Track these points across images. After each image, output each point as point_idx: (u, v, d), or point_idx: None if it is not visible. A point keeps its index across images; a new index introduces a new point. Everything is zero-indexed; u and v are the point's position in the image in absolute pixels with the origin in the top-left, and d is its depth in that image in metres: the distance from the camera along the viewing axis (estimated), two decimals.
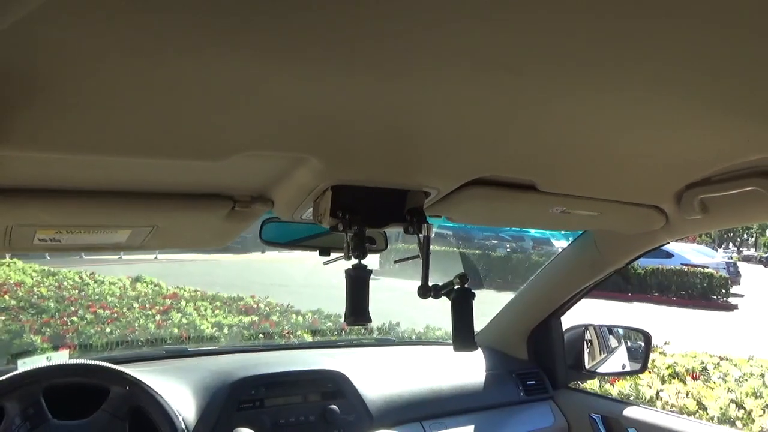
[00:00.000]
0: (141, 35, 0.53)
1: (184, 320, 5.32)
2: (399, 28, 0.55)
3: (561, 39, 0.58)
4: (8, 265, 6.22)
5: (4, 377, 1.28)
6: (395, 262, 1.41)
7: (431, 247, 1.15)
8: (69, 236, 1.18)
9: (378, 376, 1.82)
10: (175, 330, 5.12)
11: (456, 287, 1.15)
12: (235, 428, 1.42)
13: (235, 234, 1.38)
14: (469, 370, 2.00)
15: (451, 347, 1.17)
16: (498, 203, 1.24)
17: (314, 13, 0.51)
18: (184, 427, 1.37)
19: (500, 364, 2.09)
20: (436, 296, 1.15)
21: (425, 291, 1.14)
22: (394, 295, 6.65)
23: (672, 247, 14.06)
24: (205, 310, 5.70)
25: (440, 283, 1.16)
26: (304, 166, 0.95)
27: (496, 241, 15.44)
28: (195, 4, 0.49)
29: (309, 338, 4.70)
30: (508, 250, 15.03)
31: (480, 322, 2.01)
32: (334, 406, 1.64)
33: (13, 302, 5.11)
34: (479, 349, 2.01)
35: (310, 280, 8.35)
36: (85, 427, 1.29)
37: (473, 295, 1.16)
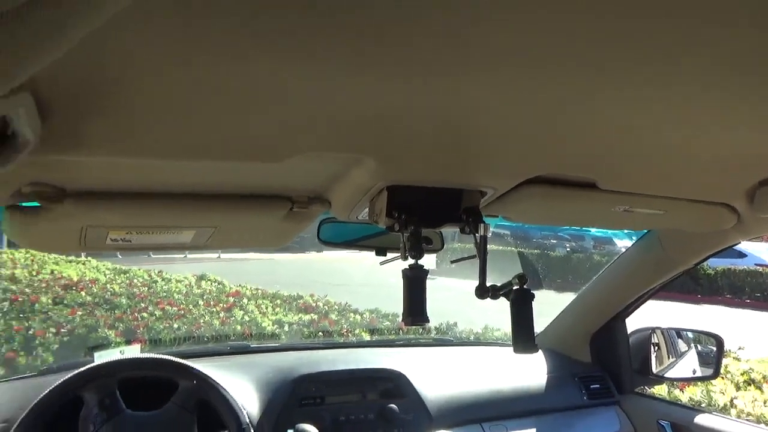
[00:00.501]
0: (203, 43, 0.55)
1: (246, 317, 5.48)
2: (454, 26, 0.55)
3: (622, 32, 0.56)
4: (84, 264, 6.58)
5: (82, 369, 1.35)
6: (452, 262, 1.40)
7: (488, 246, 1.14)
8: (138, 236, 1.24)
9: (437, 376, 1.81)
10: (238, 327, 5.28)
11: (515, 288, 1.13)
12: (297, 424, 1.45)
13: (294, 234, 1.41)
14: (529, 372, 1.96)
15: (511, 348, 1.15)
16: (557, 202, 1.21)
17: (369, 13, 0.52)
18: (248, 421, 1.41)
19: (562, 366, 2.04)
20: (494, 297, 1.14)
21: (483, 291, 1.12)
22: (451, 295, 6.61)
23: (745, 246, 13.22)
24: (266, 307, 5.84)
25: (498, 284, 1.15)
26: (360, 167, 0.96)
27: (555, 241, 15.06)
28: (254, 10, 0.50)
29: (367, 337, 4.74)
30: (568, 249, 14.62)
31: (540, 324, 1.97)
32: (393, 405, 1.65)
33: (88, 298, 5.40)
34: (540, 351, 1.97)
35: (368, 279, 8.42)
36: (157, 419, 1.35)
37: (533, 295, 1.14)
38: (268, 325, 5.30)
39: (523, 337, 1.13)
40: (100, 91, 0.64)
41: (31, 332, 4.71)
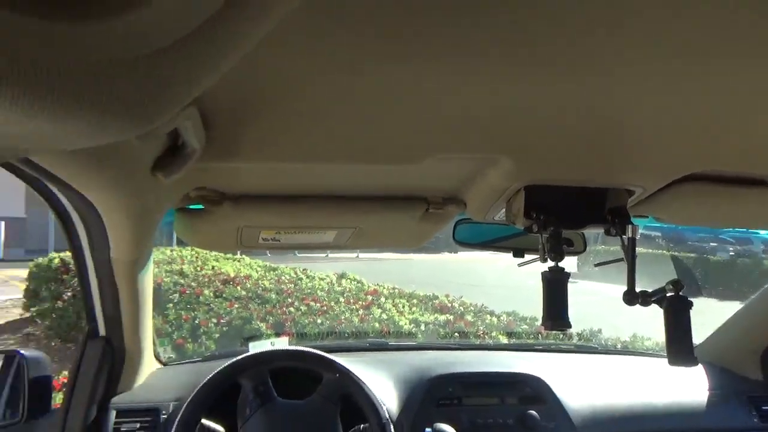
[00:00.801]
0: (348, 53, 0.58)
1: (384, 316, 5.63)
2: (602, 21, 0.52)
3: None
4: (239, 261, 7.19)
5: (240, 357, 1.48)
6: (596, 265, 1.32)
7: (636, 249, 1.06)
8: (287, 236, 1.34)
9: (580, 384, 1.72)
10: (376, 324, 5.44)
11: (669, 294, 1.04)
12: (435, 423, 1.46)
13: (430, 234, 1.43)
14: (687, 386, 1.79)
15: (665, 360, 1.06)
16: (717, 201, 1.09)
17: (512, 10, 0.51)
18: (388, 416, 1.45)
19: (726, 383, 1.84)
20: (645, 303, 1.05)
21: (632, 297, 1.05)
22: (594, 300, 6.24)
23: None
24: (403, 306, 5.95)
25: (649, 289, 1.06)
26: (497, 167, 0.95)
27: (715, 244, 13.54)
28: (398, 18, 0.52)
29: (504, 340, 4.63)
30: (732, 253, 13.07)
31: (699, 335, 1.78)
32: (533, 412, 1.60)
33: (243, 293, 5.89)
34: (699, 364, 1.79)
35: (503, 281, 8.23)
36: (304, 408, 1.44)
37: (690, 303, 1.04)
38: (405, 324, 5.39)
39: (679, 348, 1.03)
40: (254, 102, 0.70)
41: (196, 322, 5.25)
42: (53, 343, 6.07)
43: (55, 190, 0.97)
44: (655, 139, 0.83)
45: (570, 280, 1.09)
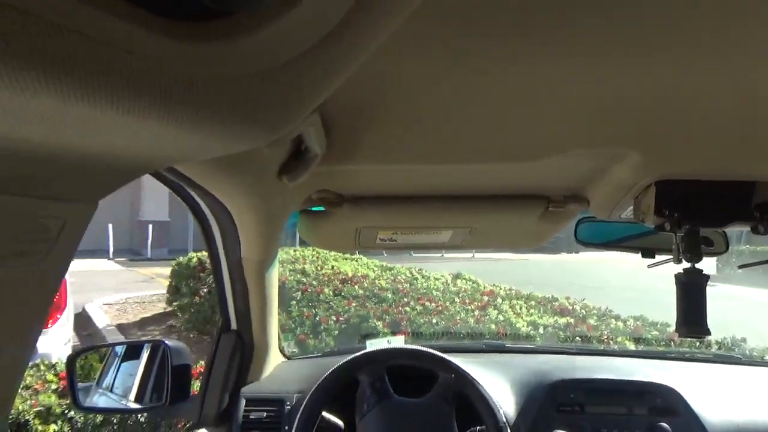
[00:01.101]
0: (465, 54, 0.57)
1: (500, 317, 5.52)
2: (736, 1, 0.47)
3: None
4: (356, 261, 7.42)
5: (358, 354, 1.53)
6: (740, 267, 1.20)
7: None
8: (403, 236, 1.36)
9: (719, 397, 1.57)
10: (492, 326, 5.35)
11: None
12: (555, 430, 1.41)
13: (550, 234, 1.38)
14: None
15: None
16: None
17: (634, 3, 0.48)
18: (505, 420, 1.42)
19: None
20: None
21: None
22: (735, 305, 5.67)
23: None
24: (520, 308, 5.80)
25: None
26: (623, 162, 0.89)
27: None
28: (511, 17, 0.50)
29: (631, 346, 4.35)
30: None
31: None
32: (665, 425, 1.48)
33: (360, 292, 6.07)
34: None
35: (629, 283, 7.73)
36: (420, 406, 1.45)
37: None
38: (523, 326, 5.25)
39: None
40: (373, 106, 0.71)
41: (317, 319, 5.49)
42: (191, 335, 6.65)
43: (194, 195, 1.06)
44: None
45: (708, 283, 1.00)
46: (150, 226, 15.53)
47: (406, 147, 0.84)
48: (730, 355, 2.08)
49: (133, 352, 1.62)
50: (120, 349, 1.66)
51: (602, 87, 0.65)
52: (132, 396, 1.53)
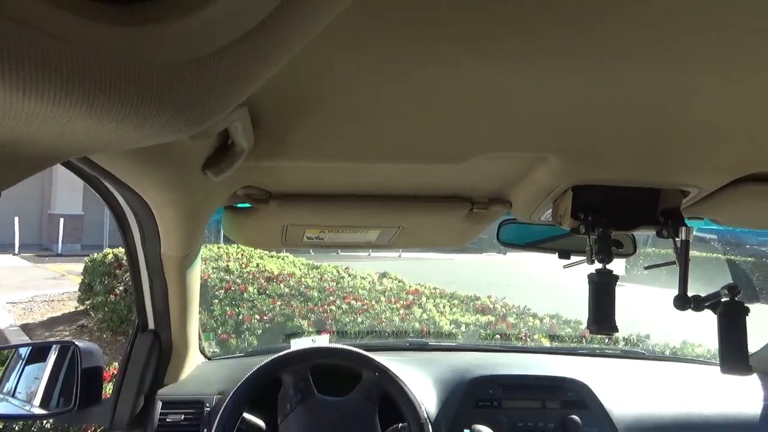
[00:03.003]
0: (392, 54, 0.58)
1: (424, 315, 5.62)
2: (656, 14, 0.50)
3: None
4: (282, 259, 7.32)
5: (282, 353, 1.51)
6: (646, 268, 1.28)
7: (690, 252, 1.02)
8: (330, 235, 1.35)
9: (626, 390, 1.67)
10: (417, 324, 5.44)
11: (724, 299, 0.99)
12: (474, 425, 1.45)
13: (474, 234, 1.41)
14: (740, 396, 1.71)
15: (717, 368, 1.02)
16: None
17: (556, 12, 0.50)
18: (426, 416, 1.44)
19: None
20: (698, 309, 1.01)
21: (684, 302, 1.01)
22: (642, 304, 6.06)
23: None
24: (444, 307, 5.93)
25: (702, 294, 1.02)
26: (543, 166, 0.93)
27: None
28: (439, 19, 0.51)
29: (547, 343, 4.56)
30: None
31: (755, 343, 1.71)
32: (575, 417, 1.57)
33: (286, 290, 5.99)
34: (754, 373, 1.71)
35: (548, 282, 8.09)
36: (343, 405, 1.45)
37: (746, 309, 0.99)
38: (446, 325, 5.37)
39: (733, 356, 0.99)
40: (302, 102, 0.70)
41: (240, 318, 5.37)
42: (105, 335, 6.32)
43: (111, 188, 1.00)
44: (715, 137, 0.80)
45: (618, 283, 1.06)
46: (61, 220, 14.60)
47: (334, 144, 0.83)
48: (635, 351, 2.22)
49: (39, 354, 1.52)
50: (24, 351, 1.55)
51: (526, 93, 0.67)
52: (37, 401, 1.43)
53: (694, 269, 1.03)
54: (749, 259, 11.62)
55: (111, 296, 6.36)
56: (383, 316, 5.64)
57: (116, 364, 3.46)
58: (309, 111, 0.73)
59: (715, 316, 1.00)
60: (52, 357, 1.47)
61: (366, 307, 5.83)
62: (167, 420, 1.47)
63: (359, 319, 5.52)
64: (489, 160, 0.87)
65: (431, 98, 0.69)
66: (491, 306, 6.10)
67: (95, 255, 7.18)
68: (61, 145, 0.33)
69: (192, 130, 0.38)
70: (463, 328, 5.35)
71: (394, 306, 5.90)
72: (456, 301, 6.24)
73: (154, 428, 1.46)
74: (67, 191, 14.64)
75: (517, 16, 0.51)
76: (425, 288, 6.69)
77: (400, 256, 11.91)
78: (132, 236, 1.24)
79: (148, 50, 0.28)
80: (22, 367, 1.51)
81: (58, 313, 7.68)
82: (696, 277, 1.07)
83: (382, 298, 6.10)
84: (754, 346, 1.84)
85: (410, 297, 6.20)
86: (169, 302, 1.40)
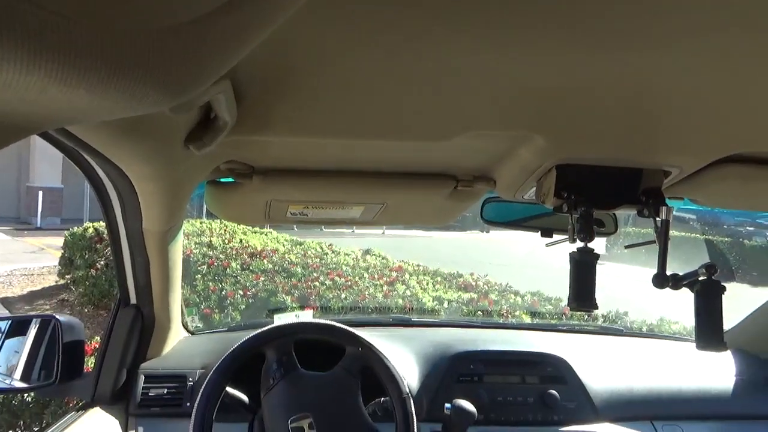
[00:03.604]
0: (378, 29, 0.57)
1: (407, 292, 5.66)
2: None
3: None
4: (266, 235, 7.29)
5: (265, 329, 1.51)
6: (626, 247, 1.30)
7: (670, 232, 1.03)
8: (314, 211, 1.34)
9: (603, 365, 1.71)
10: (400, 300, 5.48)
11: (701, 278, 1.01)
12: (455, 399, 1.47)
13: (458, 212, 1.42)
14: (714, 372, 1.76)
15: (692, 344, 1.04)
16: (759, 184, 1.05)
17: None
18: (408, 391, 1.46)
19: (755, 369, 1.81)
20: (676, 287, 1.03)
21: (662, 281, 1.03)
22: (621, 282, 6.16)
23: None
24: (427, 284, 5.98)
25: (680, 273, 1.04)
26: (528, 145, 0.93)
27: (752, 228, 13.17)
28: None
29: (528, 320, 4.63)
30: None
31: (729, 320, 1.75)
32: (553, 391, 1.60)
33: (270, 266, 5.98)
34: (728, 350, 1.76)
35: (530, 260, 8.18)
36: (325, 379, 1.46)
37: (722, 288, 1.01)
38: (429, 301, 5.42)
39: (708, 333, 1.01)
40: (286, 76, 0.69)
41: (223, 293, 5.36)
42: (86, 310, 6.28)
43: (90, 160, 0.98)
44: (695, 118, 0.80)
45: (598, 261, 1.08)
46: (40, 193, 14.35)
47: (318, 119, 0.83)
48: (613, 327, 2.26)
49: (19, 327, 1.50)
50: (4, 325, 1.54)
51: (510, 72, 0.67)
52: (17, 374, 1.42)
53: (673, 248, 1.05)
54: (726, 239, 11.87)
55: (92, 271, 6.31)
56: (367, 293, 5.68)
57: (98, 338, 3.45)
58: (293, 85, 0.72)
59: (693, 294, 1.03)
60: (33, 331, 1.46)
61: (350, 283, 5.86)
62: (150, 394, 1.48)
63: (343, 296, 5.55)
64: (474, 138, 0.87)
65: (415, 75, 0.68)
66: (474, 283, 6.16)
67: (75, 229, 7.09)
68: (36, 115, 0.32)
69: (172, 102, 0.37)
70: (445, 305, 5.40)
71: (378, 282, 5.93)
72: (439, 278, 6.29)
73: (136, 402, 1.47)
74: (45, 163, 14.37)
75: None
76: (409, 265, 6.73)
77: (383, 233, 11.94)
78: (113, 210, 1.22)
79: (120, 16, 0.27)
80: (2, 340, 1.49)
81: (39, 287, 7.60)
82: (675, 256, 1.09)
83: (366, 275, 6.13)
84: (728, 323, 1.89)
85: (394, 274, 6.24)
86: (151, 277, 1.39)
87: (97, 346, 1.54)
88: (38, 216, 14.35)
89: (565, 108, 0.78)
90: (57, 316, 1.42)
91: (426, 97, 0.75)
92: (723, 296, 1.02)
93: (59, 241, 7.46)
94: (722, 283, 1.01)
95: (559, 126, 0.85)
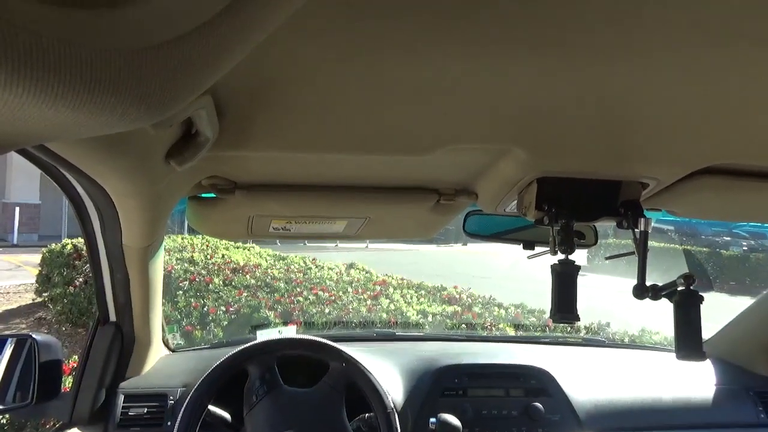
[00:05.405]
0: (358, 43, 0.57)
1: (391, 306, 5.64)
2: (617, 10, 0.51)
3: None
4: (248, 250, 7.22)
5: (247, 345, 1.49)
6: (607, 258, 1.31)
7: (649, 243, 1.05)
8: (297, 225, 1.34)
9: (586, 377, 1.72)
10: (384, 315, 5.46)
11: (680, 288, 1.03)
12: (439, 413, 1.47)
13: (440, 225, 1.43)
14: (694, 381, 1.78)
15: (673, 354, 1.05)
16: (734, 195, 1.08)
17: (522, 5, 0.50)
18: (393, 406, 1.45)
19: (734, 378, 1.83)
20: (655, 297, 1.05)
21: (642, 291, 1.04)
22: (603, 294, 6.22)
23: None
24: (411, 297, 5.96)
25: (660, 283, 1.06)
26: (509, 158, 0.94)
27: (728, 238, 13.41)
28: (406, 8, 0.51)
29: (511, 332, 4.63)
30: (745, 248, 12.95)
31: (708, 330, 1.78)
32: (538, 404, 1.60)
33: (252, 281, 5.92)
34: (708, 359, 1.78)
35: (512, 273, 8.22)
36: (309, 396, 1.45)
37: (701, 298, 1.03)
38: (413, 315, 5.40)
39: (687, 342, 1.03)
40: (267, 92, 0.70)
41: (205, 309, 5.29)
42: (64, 328, 6.15)
43: (69, 176, 0.97)
44: (672, 131, 0.82)
45: (580, 273, 1.09)
46: (17, 209, 14.08)
47: (299, 134, 0.83)
48: (595, 339, 2.27)
49: None
50: None
51: (490, 86, 0.68)
52: None
53: (652, 259, 1.06)
54: (704, 249, 12.06)
55: (70, 288, 6.18)
56: (350, 307, 5.64)
57: (76, 357, 3.38)
58: (274, 101, 0.72)
59: (672, 304, 1.04)
60: (8, 350, 1.42)
61: (333, 298, 5.82)
62: (130, 413, 1.45)
63: (326, 310, 5.51)
64: (455, 151, 0.88)
65: (396, 89, 0.69)
66: (457, 296, 6.16)
67: (53, 245, 6.96)
68: (14, 132, 0.32)
69: (153, 119, 0.37)
70: (429, 318, 5.39)
71: (362, 297, 5.90)
72: (423, 292, 6.28)
73: (115, 422, 1.44)
74: (23, 179, 14.13)
75: (481, 9, 0.51)
76: (392, 279, 6.71)
77: (367, 246, 11.92)
78: (92, 226, 1.21)
79: (101, 36, 0.27)
80: None
81: (15, 305, 7.42)
82: (654, 266, 1.11)
83: (350, 289, 6.10)
84: (707, 333, 1.92)
85: (377, 288, 6.21)
86: (131, 294, 1.37)
87: (75, 365, 1.51)
88: (14, 232, 14.06)
89: (545, 122, 0.80)
90: (33, 335, 1.39)
91: (408, 111, 0.76)
92: (701, 306, 1.03)
93: (37, 258, 7.32)
94: (700, 293, 1.03)
95: (539, 140, 0.86)
